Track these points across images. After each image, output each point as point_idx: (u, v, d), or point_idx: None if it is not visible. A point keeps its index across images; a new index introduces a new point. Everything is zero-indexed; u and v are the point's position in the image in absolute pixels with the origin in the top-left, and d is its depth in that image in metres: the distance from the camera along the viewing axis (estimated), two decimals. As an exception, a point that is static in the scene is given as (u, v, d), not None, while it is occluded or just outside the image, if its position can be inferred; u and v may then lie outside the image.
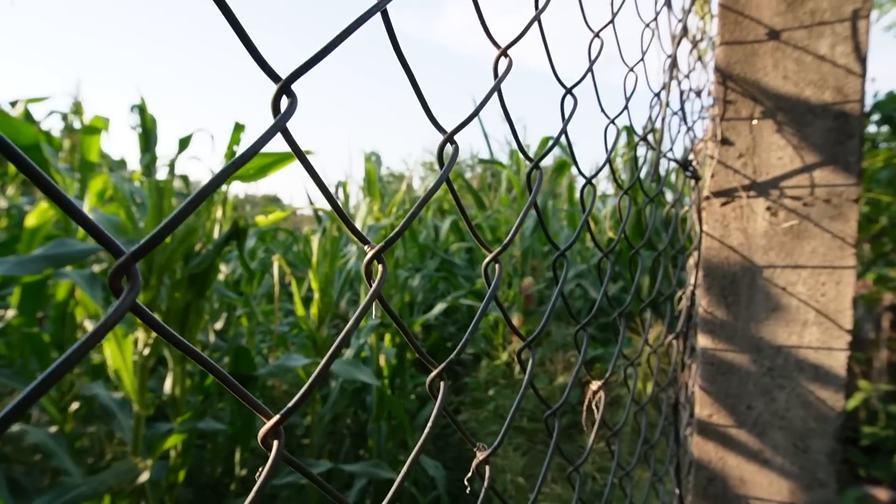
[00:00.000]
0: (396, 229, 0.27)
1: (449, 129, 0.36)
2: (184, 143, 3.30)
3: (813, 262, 0.80)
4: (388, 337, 2.93)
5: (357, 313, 0.25)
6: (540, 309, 3.82)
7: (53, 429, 1.72)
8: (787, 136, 0.82)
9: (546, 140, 3.67)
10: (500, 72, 0.40)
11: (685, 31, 0.79)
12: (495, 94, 0.40)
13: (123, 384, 1.59)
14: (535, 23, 0.44)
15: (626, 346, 3.03)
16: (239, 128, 1.77)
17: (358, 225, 2.80)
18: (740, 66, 0.84)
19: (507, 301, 3.49)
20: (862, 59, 0.78)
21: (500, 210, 3.64)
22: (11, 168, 2.75)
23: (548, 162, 4.28)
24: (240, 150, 1.90)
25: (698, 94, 0.87)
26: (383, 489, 2.23)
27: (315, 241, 2.30)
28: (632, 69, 0.63)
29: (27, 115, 2.84)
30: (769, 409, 0.83)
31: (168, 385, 1.71)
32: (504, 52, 0.39)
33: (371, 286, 0.27)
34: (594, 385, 0.50)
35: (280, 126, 0.25)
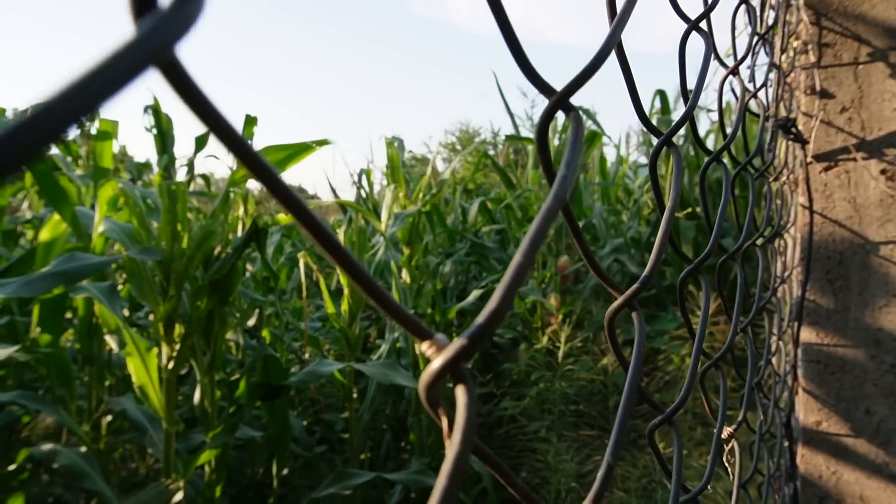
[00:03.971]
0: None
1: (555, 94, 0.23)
2: (201, 142, 3.22)
3: (945, 234, 0.65)
4: (422, 327, 2.82)
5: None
6: (577, 287, 3.67)
7: (84, 448, 1.65)
8: (904, 80, 0.66)
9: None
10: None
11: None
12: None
13: (150, 400, 1.51)
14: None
15: (673, 324, 2.87)
16: (251, 121, 1.66)
17: (384, 214, 2.69)
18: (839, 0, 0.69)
19: (543, 282, 3.36)
20: None
21: (530, 188, 3.49)
22: (28, 179, 2.69)
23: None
24: (255, 144, 1.79)
25: (788, 38, 0.72)
26: (425, 489, 2.14)
27: (341, 234, 2.19)
28: None
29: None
30: (895, 413, 0.69)
31: (197, 396, 1.63)
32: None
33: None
34: (725, 432, 0.38)
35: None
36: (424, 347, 0.15)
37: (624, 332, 3.18)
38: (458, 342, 0.15)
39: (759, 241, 0.58)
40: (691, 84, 0.42)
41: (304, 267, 2.33)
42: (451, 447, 0.13)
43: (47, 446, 1.66)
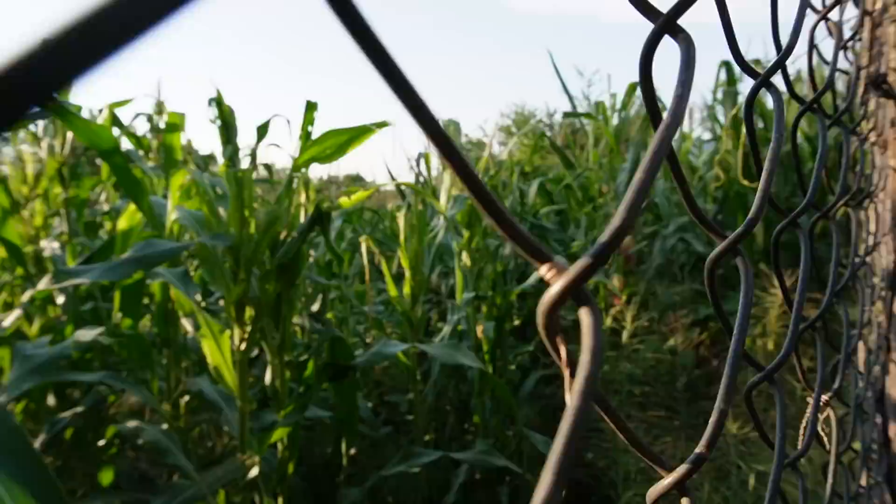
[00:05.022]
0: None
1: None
2: (262, 131, 3.29)
3: None
4: (485, 309, 2.82)
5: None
6: (640, 269, 3.59)
7: (165, 426, 1.74)
8: None
9: (633, 86, 3.39)
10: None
11: None
12: None
13: (224, 380, 1.57)
14: None
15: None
16: (311, 107, 1.69)
17: (442, 197, 2.69)
18: (935, -59, 0.63)
19: (606, 263, 3.30)
20: None
21: (590, 167, 3.42)
22: (105, 171, 2.83)
23: (634, 112, 3.98)
24: (314, 130, 1.82)
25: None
26: (490, 469, 2.15)
27: (401, 218, 2.21)
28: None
29: (114, 120, 2.91)
30: None
31: (268, 377, 1.69)
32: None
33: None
34: (822, 399, 0.35)
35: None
36: (544, 271, 0.15)
37: (692, 313, 3.09)
38: (580, 262, 0.14)
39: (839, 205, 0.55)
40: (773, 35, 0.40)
41: (366, 251, 2.37)
42: (581, 368, 0.13)
43: (132, 424, 1.76)
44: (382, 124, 1.46)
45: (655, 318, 2.91)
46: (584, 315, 0.14)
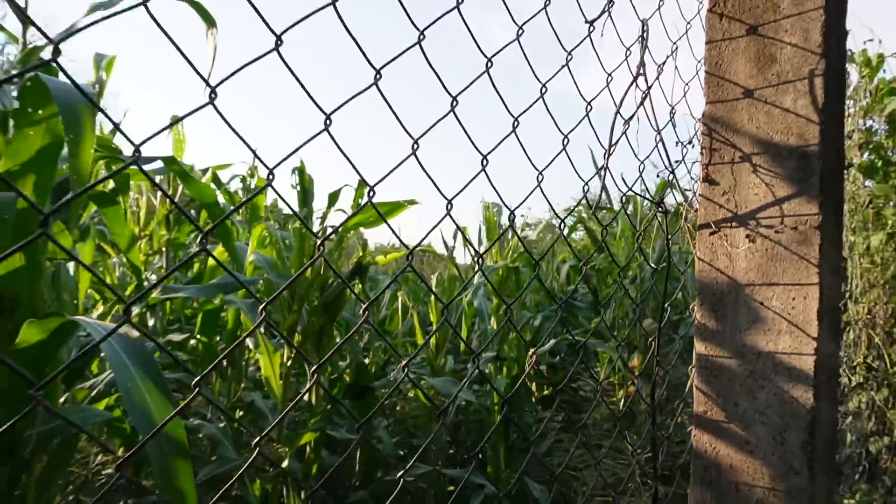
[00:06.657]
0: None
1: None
2: (333, 198, 3.85)
3: (784, 280, 0.95)
4: (504, 369, 3.16)
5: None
6: (662, 351, 3.82)
7: (222, 424, 2.16)
8: (761, 175, 0.98)
9: (664, 183, 3.75)
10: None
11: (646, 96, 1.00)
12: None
13: (272, 387, 1.99)
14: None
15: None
16: (362, 184, 2.16)
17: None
18: (722, 120, 1.02)
19: (624, 340, 3.58)
20: (819, 110, 0.94)
21: (616, 254, 3.76)
22: (202, 219, 3.42)
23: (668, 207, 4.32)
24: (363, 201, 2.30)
25: (689, 143, 1.05)
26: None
27: (433, 279, 2.63)
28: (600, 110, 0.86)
29: (215, 179, 3.53)
30: (752, 406, 0.97)
31: (306, 396, 2.09)
32: (483, 159, 0.66)
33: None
34: (532, 351, 0.71)
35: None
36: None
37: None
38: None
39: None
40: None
41: (401, 304, 2.79)
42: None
43: (196, 421, 2.20)
44: (412, 202, 1.91)
45: (665, 397, 3.14)
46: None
